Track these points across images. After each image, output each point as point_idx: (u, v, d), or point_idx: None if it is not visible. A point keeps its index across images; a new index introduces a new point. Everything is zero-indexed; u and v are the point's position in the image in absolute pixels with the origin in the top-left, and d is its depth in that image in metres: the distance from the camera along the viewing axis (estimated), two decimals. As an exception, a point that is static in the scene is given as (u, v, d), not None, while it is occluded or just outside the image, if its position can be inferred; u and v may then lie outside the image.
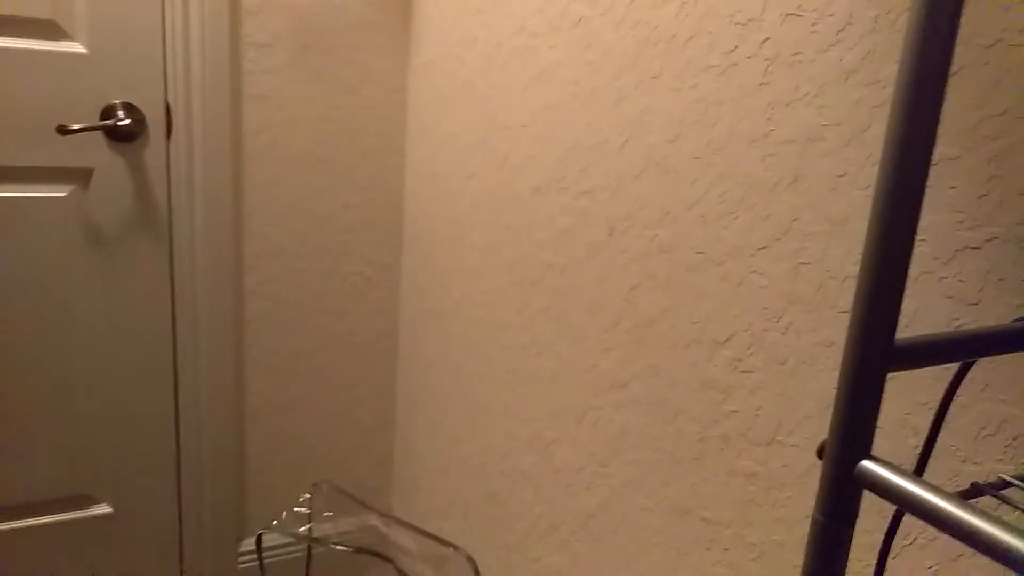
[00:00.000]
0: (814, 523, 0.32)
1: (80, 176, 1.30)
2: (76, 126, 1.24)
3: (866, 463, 0.30)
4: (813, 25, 0.68)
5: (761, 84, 0.73)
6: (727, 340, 0.79)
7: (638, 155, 0.89)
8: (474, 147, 1.25)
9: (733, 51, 0.76)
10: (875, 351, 0.30)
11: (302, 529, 1.26)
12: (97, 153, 1.30)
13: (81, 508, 1.43)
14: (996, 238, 0.55)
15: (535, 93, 1.08)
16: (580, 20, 0.97)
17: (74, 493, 1.42)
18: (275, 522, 1.58)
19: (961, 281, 0.58)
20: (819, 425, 0.70)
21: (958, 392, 0.54)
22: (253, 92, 1.36)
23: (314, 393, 1.56)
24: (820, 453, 0.32)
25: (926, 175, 0.31)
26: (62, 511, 1.42)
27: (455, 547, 1.13)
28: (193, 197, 1.36)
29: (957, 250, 0.58)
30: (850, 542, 0.32)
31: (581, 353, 1.02)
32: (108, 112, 1.29)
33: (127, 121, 1.28)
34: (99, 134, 1.30)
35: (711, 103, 0.79)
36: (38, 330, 1.33)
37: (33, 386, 1.34)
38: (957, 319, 0.58)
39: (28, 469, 1.37)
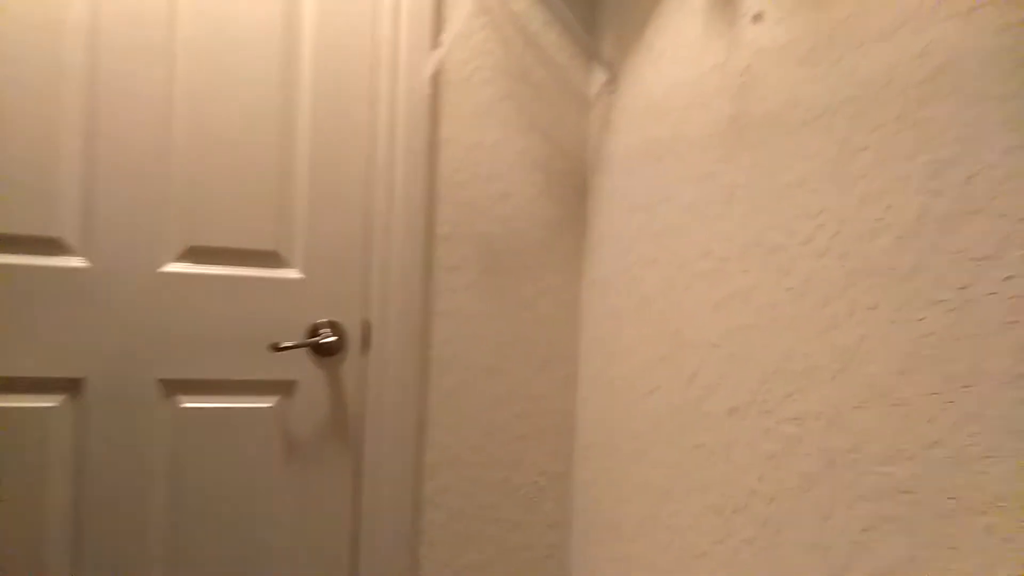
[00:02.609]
0: None
1: (285, 388, 1.41)
2: (288, 344, 1.36)
3: None
4: (1069, 266, 0.65)
5: (1009, 323, 0.70)
6: (1002, 605, 0.69)
7: (858, 385, 0.86)
8: (656, 362, 1.25)
9: (967, 287, 0.74)
10: None
11: None
12: (301, 367, 1.42)
13: None
14: None
15: (726, 314, 1.08)
16: (776, 248, 0.99)
17: None
18: None
19: None
20: None
21: None
22: (442, 309, 1.46)
23: (482, 611, 1.50)
24: None
25: None
26: None
27: None
28: (383, 408, 1.43)
29: None
30: None
31: (799, 596, 0.93)
32: (314, 329, 1.42)
33: (332, 338, 1.40)
34: (304, 349, 1.42)
35: (945, 338, 0.76)
36: (227, 539, 1.38)
37: (220, 593, 1.38)
38: None
39: None
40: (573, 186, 1.54)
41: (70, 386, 1.31)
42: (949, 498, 0.74)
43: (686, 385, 1.17)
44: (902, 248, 0.80)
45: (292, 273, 1.42)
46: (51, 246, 1.29)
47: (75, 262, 1.30)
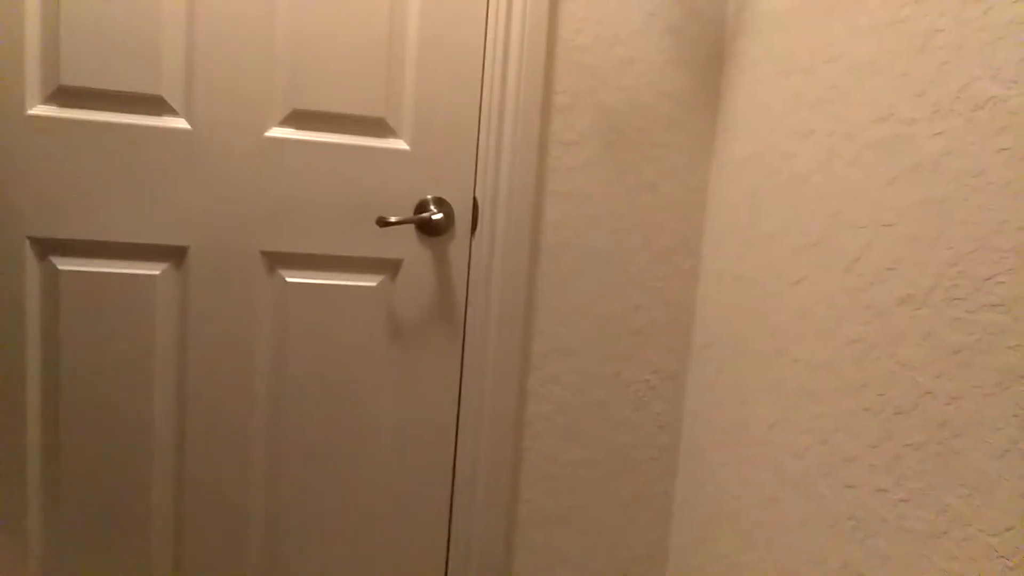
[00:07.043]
0: None
1: (390, 267, 1.34)
2: (394, 219, 1.28)
3: None
4: None
5: None
6: None
7: (1098, 261, 0.70)
8: (805, 249, 1.11)
9: None
10: None
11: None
12: (407, 245, 1.34)
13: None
14: None
15: (906, 188, 0.92)
16: (988, 101, 0.82)
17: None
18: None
19: None
20: None
21: None
22: (555, 189, 1.34)
23: (586, 508, 1.44)
24: None
25: None
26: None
27: None
28: (490, 292, 1.35)
29: None
30: None
31: (986, 509, 0.80)
32: (421, 206, 1.33)
33: (439, 215, 1.31)
34: (410, 227, 1.33)
35: None
36: (332, 420, 1.35)
37: (320, 476, 1.36)
38: None
39: (303, 559, 1.37)
40: (707, 54, 1.36)
41: (174, 254, 1.27)
42: None
43: (843, 273, 1.02)
44: None
45: (399, 144, 1.32)
46: (153, 105, 1.23)
47: (177, 123, 1.24)
